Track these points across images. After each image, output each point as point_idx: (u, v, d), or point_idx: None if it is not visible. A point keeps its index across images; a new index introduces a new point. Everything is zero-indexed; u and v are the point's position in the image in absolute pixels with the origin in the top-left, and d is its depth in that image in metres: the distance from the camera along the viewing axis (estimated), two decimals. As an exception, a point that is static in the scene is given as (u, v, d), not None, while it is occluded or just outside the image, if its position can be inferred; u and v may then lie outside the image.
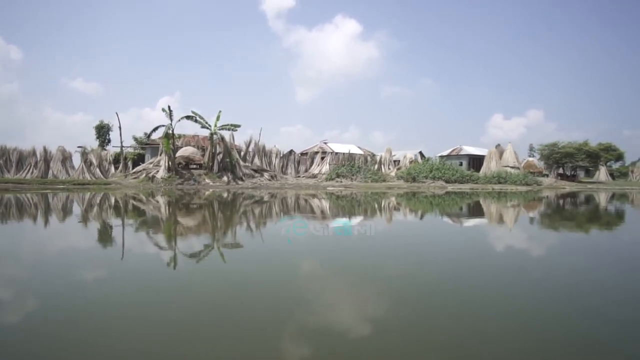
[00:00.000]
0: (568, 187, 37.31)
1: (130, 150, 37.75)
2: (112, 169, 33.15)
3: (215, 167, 27.90)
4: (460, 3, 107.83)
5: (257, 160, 31.81)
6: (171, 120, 26.18)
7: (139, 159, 35.85)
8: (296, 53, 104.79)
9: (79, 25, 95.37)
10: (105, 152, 34.51)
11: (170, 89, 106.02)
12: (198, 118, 27.23)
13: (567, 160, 43.98)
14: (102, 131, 43.04)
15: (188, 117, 27.09)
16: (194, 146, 30.76)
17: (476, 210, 15.02)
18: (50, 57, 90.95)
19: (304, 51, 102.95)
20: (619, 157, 52.77)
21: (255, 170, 29.85)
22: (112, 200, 16.84)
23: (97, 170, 30.41)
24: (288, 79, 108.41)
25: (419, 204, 17.24)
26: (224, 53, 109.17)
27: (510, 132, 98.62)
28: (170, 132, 26.19)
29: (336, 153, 37.51)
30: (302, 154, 42.22)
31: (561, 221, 11.46)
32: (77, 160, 33.38)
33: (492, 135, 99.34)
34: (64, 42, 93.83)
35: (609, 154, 52.37)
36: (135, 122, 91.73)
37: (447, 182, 33.76)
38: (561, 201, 20.22)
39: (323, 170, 35.07)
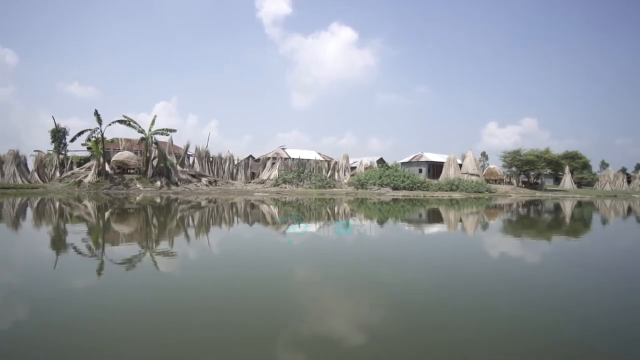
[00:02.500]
0: (528, 195, 36.91)
1: (82, 154, 37.30)
2: (58, 173, 32.70)
3: (150, 172, 27.43)
4: (454, 13, 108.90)
5: (197, 166, 31.36)
6: (100, 124, 25.77)
7: (85, 163, 35.36)
8: (292, 60, 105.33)
9: (75, 29, 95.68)
10: (49, 156, 34.01)
11: (166, 94, 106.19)
12: (132, 122, 26.86)
13: (528, 168, 43.71)
14: (58, 135, 42.58)
15: (121, 122, 26.70)
16: (136, 151, 30.33)
17: (386, 216, 14.56)
18: (45, 61, 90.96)
19: (300, 58, 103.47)
20: (585, 165, 52.52)
21: (193, 176, 29.38)
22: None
23: (35, 174, 29.92)
24: (284, 85, 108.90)
25: (321, 208, 16.78)
26: (221, 59, 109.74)
27: (505, 139, 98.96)
28: (100, 136, 25.74)
29: (286, 159, 37.13)
30: (257, 159, 41.86)
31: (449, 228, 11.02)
32: (32, 165, 32.98)
33: (487, 142, 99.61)
34: (60, 47, 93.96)
35: (574, 162, 52.23)
36: (130, 128, 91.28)
37: (395, 189, 33.36)
38: (490, 209, 19.79)
39: (272, 176, 34.64)
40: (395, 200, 24.62)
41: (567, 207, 20.98)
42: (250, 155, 43.08)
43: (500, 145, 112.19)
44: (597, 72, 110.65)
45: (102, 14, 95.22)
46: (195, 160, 32.61)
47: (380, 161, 44.14)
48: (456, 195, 32.61)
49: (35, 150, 33.95)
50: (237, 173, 35.74)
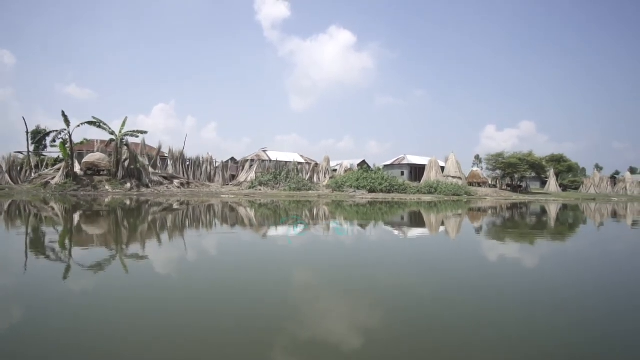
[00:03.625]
0: (504, 198, 36.74)
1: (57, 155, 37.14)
2: (33, 174, 32.51)
3: (120, 174, 27.26)
4: (452, 16, 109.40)
5: (170, 168, 31.20)
6: (68, 125, 25.63)
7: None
8: (291, 62, 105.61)
9: (73, 31, 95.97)
10: (24, 157, 33.81)
11: (165, 96, 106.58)
12: (102, 124, 26.72)
13: (510, 171, 43.63)
14: (39, 137, 42.45)
15: (90, 123, 26.56)
16: (110, 153, 30.18)
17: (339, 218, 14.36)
18: (44, 63, 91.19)
19: (298, 61, 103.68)
20: (570, 168, 52.45)
21: (165, 178, 29.21)
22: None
23: (7, 175, 29.70)
24: (283, 88, 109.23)
25: (275, 210, 16.59)
26: (220, 62, 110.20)
27: (503, 143, 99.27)
28: (67, 137, 25.60)
29: (263, 161, 36.99)
30: (238, 162, 41.70)
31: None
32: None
33: (485, 145, 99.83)
34: (58, 48, 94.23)
35: (560, 165, 52.18)
36: (129, 129, 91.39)
37: (372, 191, 33.19)
38: (455, 213, 19.60)
39: (249, 179, 34.48)
40: (371, 203, 24.44)
41: (534, 211, 20.81)
42: (232, 158, 42.94)
43: (499, 149, 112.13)
44: (596, 76, 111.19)
45: (101, 16, 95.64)
46: (169, 162, 32.42)
47: (363, 164, 44.02)
48: (427, 198, 32.42)
49: (15, 152, 33.74)
50: (215, 175, 35.57)
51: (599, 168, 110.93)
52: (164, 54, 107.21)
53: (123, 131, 27.43)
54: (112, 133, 27.25)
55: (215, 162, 36.89)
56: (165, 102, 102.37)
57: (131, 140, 28.80)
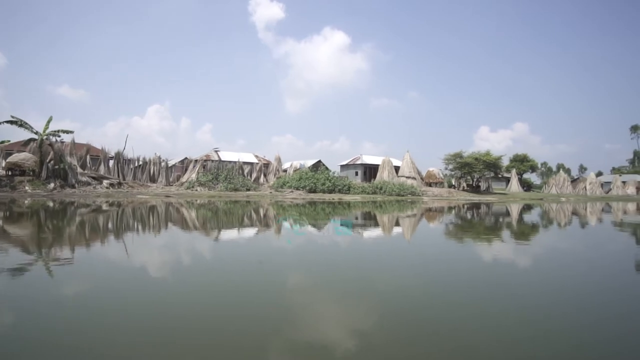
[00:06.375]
0: (459, 198, 36.38)
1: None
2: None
3: (44, 174, 26.75)
4: (446, 18, 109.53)
5: (102, 168, 30.73)
6: (-15, 125, 25.14)
7: None
8: (286, 64, 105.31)
9: (66, 32, 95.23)
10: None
11: (160, 97, 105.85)
12: (23, 123, 26.23)
13: (466, 170, 43.26)
14: (-12, 137, 41.92)
15: (11, 122, 26.08)
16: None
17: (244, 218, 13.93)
18: (35, 63, 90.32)
19: (293, 62, 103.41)
20: (533, 168, 52.23)
21: (94, 178, 28.72)
22: None
23: None
24: (278, 89, 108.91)
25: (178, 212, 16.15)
26: (215, 63, 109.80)
27: (496, 144, 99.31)
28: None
29: (212, 161, 36.57)
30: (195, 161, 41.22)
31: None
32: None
33: (479, 146, 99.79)
34: (50, 49, 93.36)
35: (523, 165, 51.94)
36: (123, 131, 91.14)
37: (312, 191, 32.79)
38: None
39: (191, 179, 34.04)
40: (311, 203, 24.03)
41: (459, 214, 20.44)
42: (185, 158, 42.47)
43: (493, 150, 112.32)
44: (589, 77, 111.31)
45: (95, 17, 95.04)
46: (107, 163, 31.96)
47: (318, 164, 43.60)
48: (349, 197, 32.04)
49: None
50: (158, 175, 35.10)
51: (583, 169, 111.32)
52: (158, 55, 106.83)
53: (47, 131, 26.93)
54: (36, 133, 26.77)
55: (166, 162, 36.42)
56: (160, 103, 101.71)
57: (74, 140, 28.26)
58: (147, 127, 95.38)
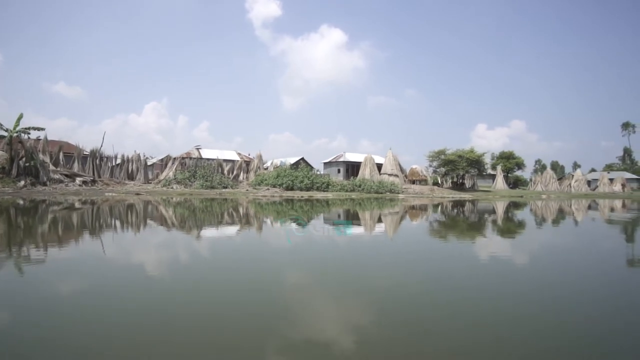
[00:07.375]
0: (439, 196, 36.27)
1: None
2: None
3: (15, 172, 26.59)
4: (443, 16, 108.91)
5: (75, 166, 30.55)
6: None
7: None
8: (283, 62, 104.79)
9: (61, 29, 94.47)
10: None
11: (157, 95, 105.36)
12: (-8, 120, 26.05)
13: (449, 168, 43.12)
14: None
15: (-20, 119, 25.87)
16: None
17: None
18: (30, 61, 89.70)
19: (290, 60, 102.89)
20: (519, 165, 52.07)
21: (67, 175, 28.56)
22: None
23: None
24: (275, 87, 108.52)
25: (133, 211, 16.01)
26: (212, 61, 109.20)
27: (494, 141, 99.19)
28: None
29: (183, 159, 36.40)
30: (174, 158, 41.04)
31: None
32: None
33: (476, 144, 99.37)
34: (46, 46, 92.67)
35: (509, 162, 51.81)
36: (120, 128, 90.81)
37: (289, 189, 32.66)
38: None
39: (168, 176, 33.87)
40: (288, 201, 23.91)
41: (433, 215, 20.35)
42: (167, 155, 42.27)
43: (490, 147, 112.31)
44: (586, 75, 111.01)
45: (92, 15, 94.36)
46: (84, 161, 31.78)
47: (300, 161, 43.40)
48: (323, 195, 31.92)
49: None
50: (136, 173, 34.92)
51: (576, 166, 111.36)
52: (155, 52, 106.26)
53: (18, 128, 26.74)
54: (6, 130, 26.58)
55: (145, 160, 36.25)
56: (157, 101, 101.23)
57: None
58: (144, 124, 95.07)
